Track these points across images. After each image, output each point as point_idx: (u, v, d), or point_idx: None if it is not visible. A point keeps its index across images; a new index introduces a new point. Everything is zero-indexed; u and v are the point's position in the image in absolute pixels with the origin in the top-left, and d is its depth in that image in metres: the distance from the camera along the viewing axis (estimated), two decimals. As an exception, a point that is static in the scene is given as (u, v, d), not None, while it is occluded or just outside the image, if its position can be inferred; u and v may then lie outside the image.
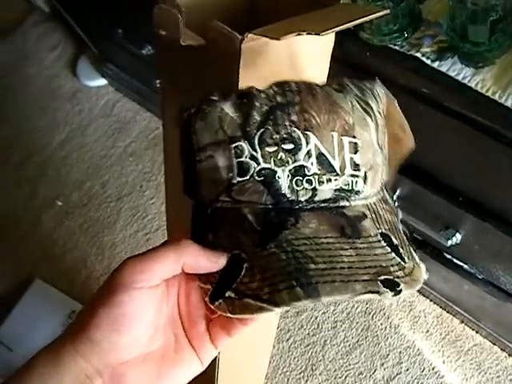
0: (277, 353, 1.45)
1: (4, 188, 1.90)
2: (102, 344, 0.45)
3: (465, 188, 0.98)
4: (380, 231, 0.50)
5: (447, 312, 1.46)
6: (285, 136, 0.50)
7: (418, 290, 1.48)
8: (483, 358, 1.41)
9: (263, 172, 0.50)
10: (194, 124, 0.53)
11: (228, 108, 0.52)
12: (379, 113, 0.56)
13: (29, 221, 1.80)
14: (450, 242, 1.10)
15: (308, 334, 1.48)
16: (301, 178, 0.50)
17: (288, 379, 1.42)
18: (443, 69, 0.78)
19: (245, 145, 0.50)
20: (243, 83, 0.64)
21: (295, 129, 0.50)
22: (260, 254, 0.47)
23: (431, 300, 1.47)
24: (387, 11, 0.67)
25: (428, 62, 0.79)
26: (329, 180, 0.50)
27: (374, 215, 0.52)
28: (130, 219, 1.75)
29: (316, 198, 0.50)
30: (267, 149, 0.50)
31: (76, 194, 1.84)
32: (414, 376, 1.40)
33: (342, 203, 0.51)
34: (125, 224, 1.74)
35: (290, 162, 0.50)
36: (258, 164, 0.50)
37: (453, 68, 0.77)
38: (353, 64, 0.86)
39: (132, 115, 2.00)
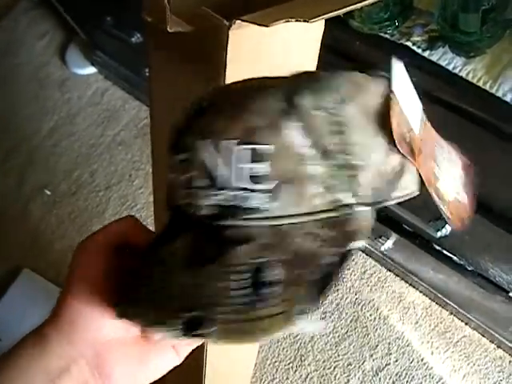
0: (265, 343, 1.45)
1: (-8, 176, 1.89)
2: (80, 322, 0.45)
3: (455, 179, 0.98)
4: (261, 260, 0.42)
5: (436, 303, 1.46)
6: (181, 147, 0.46)
7: (408, 281, 1.48)
8: (472, 350, 1.42)
9: (167, 183, 0.48)
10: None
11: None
12: (323, 109, 0.44)
13: (16, 210, 1.79)
14: (439, 234, 1.10)
15: (297, 324, 1.48)
16: (189, 191, 0.45)
17: (277, 369, 1.42)
18: (434, 58, 0.77)
19: None
20: (230, 70, 0.63)
21: (192, 137, 0.45)
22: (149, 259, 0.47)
23: (420, 291, 1.47)
24: (378, -2, 0.66)
25: (419, 51, 0.78)
26: (211, 195, 0.44)
27: (273, 240, 0.43)
28: (119, 208, 1.74)
29: (201, 213, 0.44)
30: (175, 157, 0.46)
31: (64, 182, 1.82)
32: (403, 367, 1.40)
33: (226, 222, 0.44)
34: (113, 213, 1.73)
35: (184, 172, 0.45)
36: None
37: (444, 57, 0.77)
38: (342, 52, 0.85)
39: (121, 104, 1.99)
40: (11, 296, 1.59)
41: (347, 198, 0.44)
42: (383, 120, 0.45)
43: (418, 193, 0.49)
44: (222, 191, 0.43)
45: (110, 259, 0.49)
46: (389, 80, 0.48)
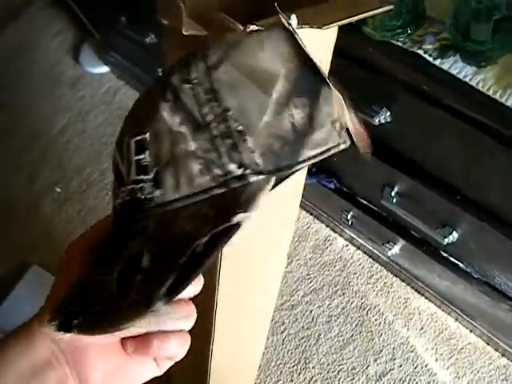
0: (271, 345, 1.45)
1: (3, 172, 1.90)
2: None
3: (463, 186, 0.98)
4: (136, 251, 0.41)
5: (442, 310, 1.47)
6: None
7: (414, 287, 1.48)
8: (476, 357, 1.42)
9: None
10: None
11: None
12: (189, 81, 0.42)
13: (27, 206, 1.80)
14: (446, 240, 1.10)
15: (302, 327, 1.48)
16: (113, 196, 0.47)
17: (281, 372, 1.43)
18: (445, 67, 0.78)
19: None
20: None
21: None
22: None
23: (426, 297, 1.47)
24: (391, 7, 0.67)
25: (430, 59, 0.79)
26: (118, 193, 0.44)
27: (155, 230, 0.42)
28: (129, 207, 1.75)
29: (116, 211, 0.45)
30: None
31: (75, 180, 1.84)
32: (407, 373, 1.41)
33: (132, 215, 0.43)
34: (123, 212, 1.74)
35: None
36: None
37: (454, 66, 0.78)
38: (354, 58, 0.86)
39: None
40: (19, 291, 1.60)
41: (234, 170, 0.41)
42: (268, 75, 0.42)
43: (345, 146, 0.45)
44: (122, 189, 0.44)
45: (90, 263, 0.49)
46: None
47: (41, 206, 1.79)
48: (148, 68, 1.84)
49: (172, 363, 0.51)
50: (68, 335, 0.41)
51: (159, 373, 0.51)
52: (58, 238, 1.72)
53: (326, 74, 0.44)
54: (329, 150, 0.44)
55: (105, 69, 2.10)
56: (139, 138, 0.42)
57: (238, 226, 0.38)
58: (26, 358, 0.46)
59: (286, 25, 0.43)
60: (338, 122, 0.44)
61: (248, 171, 0.41)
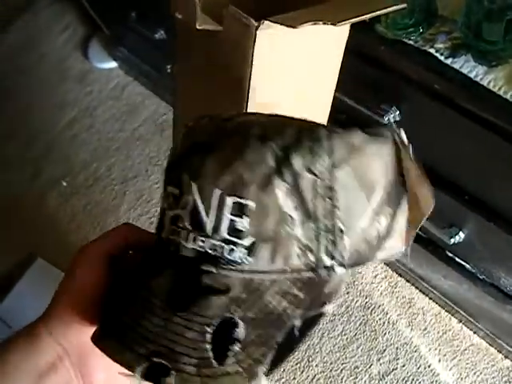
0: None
1: (10, 165, 1.90)
2: (68, 323, 0.47)
3: (471, 187, 0.98)
4: (228, 315, 0.43)
5: (446, 311, 1.47)
6: (175, 180, 0.46)
7: (418, 288, 1.48)
8: (479, 359, 1.42)
9: (160, 209, 0.49)
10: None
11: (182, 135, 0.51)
12: (312, 172, 0.44)
13: (33, 199, 1.81)
14: (452, 240, 1.10)
15: (306, 325, 1.48)
16: (175, 228, 0.46)
17: (284, 369, 1.43)
18: (456, 66, 0.78)
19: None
20: (256, 70, 0.64)
21: (186, 175, 0.45)
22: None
23: (430, 298, 1.47)
24: (404, 5, 0.67)
25: (441, 58, 0.79)
26: (194, 239, 0.44)
27: (245, 295, 0.44)
28: (135, 203, 1.76)
29: (182, 253, 0.45)
30: (169, 188, 0.47)
31: (82, 174, 1.84)
32: (410, 373, 1.41)
33: (206, 267, 0.44)
34: (129, 207, 1.75)
35: (173, 207, 0.46)
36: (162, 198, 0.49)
37: (466, 65, 0.78)
38: (366, 56, 0.86)
39: (141, 99, 2.00)
40: (24, 284, 1.60)
41: (326, 261, 0.45)
42: (372, 183, 0.46)
43: (403, 250, 0.50)
44: (202, 238, 0.44)
45: (104, 271, 0.50)
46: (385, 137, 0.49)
47: (47, 200, 1.80)
48: (156, 64, 1.84)
49: None
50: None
51: None
52: (64, 231, 1.72)
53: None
54: (395, 254, 0.49)
55: (113, 64, 2.10)
56: (241, 201, 0.43)
57: (323, 314, 0.45)
58: (30, 361, 0.46)
59: (397, 139, 0.49)
60: (405, 230, 0.49)
61: (338, 263, 0.45)
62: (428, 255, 1.25)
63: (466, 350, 1.43)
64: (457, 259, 1.21)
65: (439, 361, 1.42)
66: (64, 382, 0.47)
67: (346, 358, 1.44)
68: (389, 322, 1.47)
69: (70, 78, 2.11)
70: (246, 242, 0.43)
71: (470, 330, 1.44)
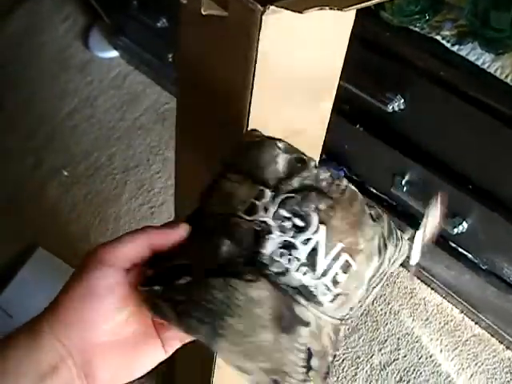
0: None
1: (11, 155, 1.90)
2: (73, 323, 0.46)
3: (476, 176, 0.98)
4: (308, 345, 0.49)
5: (448, 301, 1.46)
6: (302, 213, 0.50)
7: (420, 278, 1.48)
8: (480, 350, 1.41)
9: (263, 225, 0.50)
10: (250, 148, 0.55)
11: (282, 159, 0.53)
12: (389, 261, 0.55)
13: (34, 189, 1.80)
14: (455, 230, 1.10)
15: (307, 315, 1.48)
16: (285, 253, 0.50)
17: (285, 359, 1.43)
18: (462, 53, 0.77)
19: (269, 194, 0.51)
20: (262, 56, 0.63)
21: (315, 215, 0.50)
22: (202, 280, 0.48)
23: (432, 288, 1.47)
24: (411, -9, 0.66)
25: (448, 45, 0.78)
26: (305, 273, 0.49)
27: (317, 331, 0.50)
28: (136, 192, 1.75)
29: (283, 279, 0.49)
30: (282, 211, 0.50)
31: (82, 164, 1.84)
32: (411, 363, 1.41)
33: (301, 300, 0.50)
34: (130, 197, 1.74)
35: (290, 234, 0.50)
36: (266, 215, 0.50)
37: (472, 53, 0.77)
38: (371, 43, 0.85)
39: (142, 88, 1.99)
40: (25, 274, 1.60)
41: (348, 316, 0.54)
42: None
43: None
44: (311, 275, 0.49)
45: (120, 279, 0.49)
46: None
47: (47, 190, 1.79)
48: (158, 53, 1.83)
49: (179, 345, 0.53)
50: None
51: (166, 356, 0.52)
52: (64, 221, 1.72)
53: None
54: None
55: (114, 53, 2.09)
56: (351, 262, 0.51)
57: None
58: (31, 360, 0.45)
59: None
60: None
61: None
62: (430, 245, 1.25)
63: (467, 340, 1.43)
64: (460, 249, 1.21)
65: (441, 351, 1.42)
66: (66, 383, 0.46)
67: (347, 348, 1.44)
68: (390, 313, 1.47)
69: (71, 68, 2.10)
70: (336, 291, 0.50)
71: (472, 320, 1.44)
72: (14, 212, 1.74)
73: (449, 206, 1.08)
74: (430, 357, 1.41)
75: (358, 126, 1.12)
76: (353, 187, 0.55)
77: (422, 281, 1.48)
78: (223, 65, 0.69)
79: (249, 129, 0.67)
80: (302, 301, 0.49)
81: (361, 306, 0.54)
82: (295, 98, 0.71)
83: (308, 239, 0.50)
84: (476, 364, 1.40)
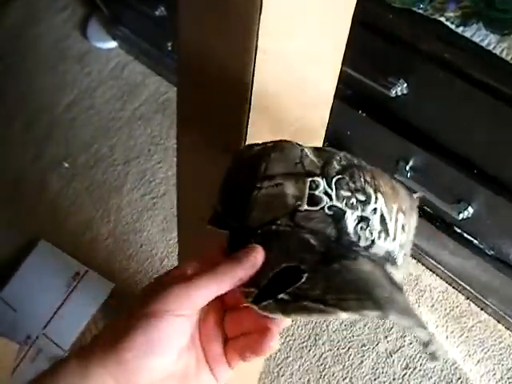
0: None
1: (11, 148, 1.89)
2: (131, 365, 0.45)
3: (481, 160, 0.97)
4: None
5: (453, 287, 1.45)
6: (359, 188, 0.53)
7: (425, 264, 1.47)
8: (487, 336, 1.41)
9: (334, 208, 0.52)
10: (270, 153, 0.55)
11: (309, 151, 0.55)
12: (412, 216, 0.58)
13: (35, 181, 1.79)
14: (461, 216, 1.09)
15: (312, 304, 1.48)
16: (365, 226, 0.53)
17: (291, 348, 1.42)
18: (467, 34, 0.76)
19: (322, 181, 0.53)
20: (263, 31, 0.62)
21: (368, 187, 0.53)
22: (323, 269, 0.49)
23: (437, 275, 1.46)
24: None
25: (452, 27, 0.77)
26: (385, 239, 0.53)
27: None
28: (137, 183, 1.74)
29: (371, 250, 0.53)
30: (342, 192, 0.53)
31: (83, 156, 1.83)
32: (417, 350, 1.40)
33: (388, 266, 0.53)
34: (131, 187, 1.73)
35: (359, 209, 0.53)
36: (331, 200, 0.52)
37: (477, 34, 0.75)
38: (373, 26, 0.84)
39: (142, 78, 1.98)
40: (28, 267, 1.60)
41: None
42: None
43: None
44: (389, 240, 0.53)
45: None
46: None
47: (48, 182, 1.79)
48: (157, 43, 1.81)
49: (228, 376, 0.52)
50: None
51: None
52: (66, 213, 1.71)
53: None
54: None
55: (113, 44, 2.08)
56: (405, 221, 0.55)
57: None
58: None
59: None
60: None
61: None
62: (435, 231, 1.24)
63: (473, 326, 1.42)
64: (465, 235, 1.20)
65: (446, 338, 1.41)
66: None
67: (352, 336, 1.43)
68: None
69: (69, 59, 2.09)
70: (403, 252, 0.55)
71: (478, 306, 1.43)
72: (16, 205, 1.74)
73: (454, 190, 1.08)
74: (436, 343, 1.40)
75: (360, 111, 1.10)
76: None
77: (426, 267, 1.48)
78: (223, 50, 0.68)
79: (250, 115, 0.67)
80: (389, 267, 0.53)
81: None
82: (297, 82, 0.70)
83: (374, 209, 0.53)
84: (482, 350, 1.39)
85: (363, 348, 1.41)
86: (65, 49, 2.12)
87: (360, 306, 0.44)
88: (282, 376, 1.39)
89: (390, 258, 0.54)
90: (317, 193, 0.53)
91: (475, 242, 1.19)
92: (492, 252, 1.18)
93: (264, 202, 0.54)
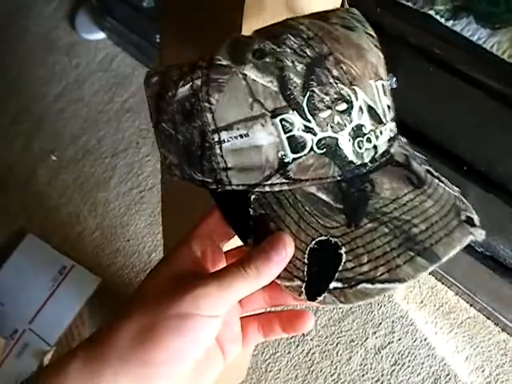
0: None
1: (-1, 139, 1.87)
2: (160, 369, 0.41)
3: (470, 157, 0.96)
4: (424, 168, 0.47)
5: (442, 283, 1.45)
6: (335, 96, 0.43)
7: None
8: (476, 332, 1.41)
9: (324, 142, 0.43)
10: (208, 98, 0.44)
11: (251, 72, 0.43)
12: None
13: (23, 174, 1.77)
14: (451, 212, 1.08)
15: (301, 299, 1.47)
16: (361, 139, 0.44)
17: (279, 343, 1.41)
18: (457, 28, 0.75)
19: (293, 116, 0.43)
20: (247, 17, 0.60)
21: (342, 85, 0.43)
22: (356, 234, 0.42)
23: (427, 271, 1.46)
24: (403, -38, 0.63)
25: (442, 20, 0.75)
26: (381, 132, 0.45)
27: (409, 153, 0.48)
28: (125, 176, 1.72)
29: (377, 156, 0.45)
30: (321, 115, 0.43)
31: (71, 148, 1.81)
32: (406, 346, 1.40)
33: (393, 150, 0.46)
34: (119, 181, 1.72)
35: (347, 123, 0.44)
36: (315, 134, 0.43)
37: (467, 28, 0.74)
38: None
39: (130, 70, 1.96)
40: (14, 261, 1.58)
41: None
42: None
43: None
44: (385, 128, 0.46)
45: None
46: None
47: (36, 175, 1.77)
48: (145, 34, 1.80)
49: (236, 354, 0.49)
50: None
51: (225, 365, 0.49)
52: (54, 206, 1.70)
53: None
54: None
55: (101, 35, 2.05)
56: (382, 83, 0.46)
57: None
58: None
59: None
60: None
61: None
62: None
63: (462, 323, 1.42)
64: (454, 231, 1.19)
65: (436, 334, 1.41)
66: None
67: (341, 331, 1.42)
68: (384, 296, 1.45)
69: (58, 50, 2.07)
70: (393, 114, 0.47)
71: (467, 302, 1.43)
72: (3, 198, 1.72)
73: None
74: (425, 340, 1.40)
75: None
76: (308, 22, 0.46)
77: (416, 263, 1.47)
78: (209, 24, 0.65)
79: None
80: (392, 149, 0.46)
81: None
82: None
83: (360, 109, 0.44)
84: (471, 346, 1.39)
85: (352, 344, 1.41)
86: (53, 40, 2.09)
87: (414, 269, 0.40)
88: (270, 372, 1.38)
89: (390, 144, 0.46)
90: (296, 133, 0.43)
91: (465, 238, 1.18)
92: (481, 249, 1.17)
93: (241, 161, 0.45)
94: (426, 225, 0.42)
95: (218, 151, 0.45)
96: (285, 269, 0.43)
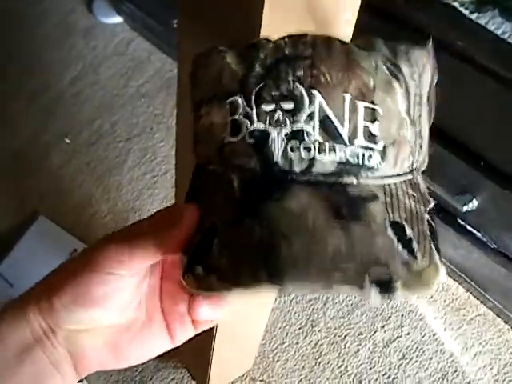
0: (278, 306, 1.44)
1: (14, 122, 1.87)
2: (60, 313, 0.45)
3: (489, 153, 0.95)
4: (391, 218, 0.42)
5: (453, 279, 1.45)
6: (285, 93, 0.42)
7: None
8: (485, 329, 1.40)
9: (255, 133, 0.43)
10: (196, 74, 0.48)
11: (231, 57, 0.45)
12: (413, 79, 0.45)
13: (36, 157, 1.77)
14: (465, 208, 1.07)
15: (310, 290, 1.46)
16: (297, 144, 0.42)
17: (287, 333, 1.41)
18: (482, 21, 0.74)
19: (240, 100, 0.44)
20: (267, 14, 0.59)
21: (298, 85, 0.42)
22: (233, 229, 0.41)
23: (438, 266, 1.45)
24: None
25: (466, 12, 0.75)
26: (332, 149, 0.42)
27: (389, 199, 0.43)
28: (139, 161, 1.72)
29: (313, 170, 0.42)
30: (264, 107, 0.43)
31: (85, 131, 1.81)
32: (414, 341, 1.39)
33: (348, 180, 0.43)
34: (132, 165, 1.72)
35: (288, 123, 0.42)
36: (252, 123, 0.43)
37: (492, 21, 0.73)
38: (381, 11, 0.81)
39: (146, 55, 1.96)
40: (26, 242, 1.59)
41: (415, 163, 0.46)
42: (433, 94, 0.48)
43: None
44: (340, 147, 0.42)
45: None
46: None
47: (50, 157, 1.77)
48: (162, 19, 1.79)
49: (188, 336, 0.50)
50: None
51: (173, 345, 0.50)
52: (67, 189, 1.70)
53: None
54: None
55: (118, 19, 2.05)
56: (371, 106, 0.43)
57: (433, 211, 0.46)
58: (17, 333, 0.45)
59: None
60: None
61: (417, 165, 0.47)
62: (438, 222, 1.22)
63: (472, 319, 1.41)
64: (468, 227, 1.19)
65: (445, 330, 1.40)
66: (53, 361, 0.45)
67: (349, 324, 1.42)
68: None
69: (75, 34, 2.07)
70: (380, 146, 0.43)
71: (477, 299, 1.42)
72: (16, 180, 1.72)
73: (459, 182, 1.06)
74: (434, 335, 1.40)
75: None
76: (321, 35, 0.45)
77: (427, 258, 1.46)
78: (227, 20, 0.65)
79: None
80: (353, 179, 0.43)
81: (421, 144, 0.47)
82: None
83: (310, 114, 0.42)
84: (480, 343, 1.39)
85: (360, 336, 1.40)
86: (70, 23, 2.09)
87: (253, 281, 0.38)
88: (277, 361, 1.38)
89: (347, 170, 0.42)
90: (237, 117, 0.43)
91: (478, 234, 1.18)
92: (494, 245, 1.17)
93: (203, 135, 0.47)
94: (303, 249, 0.39)
95: (195, 126, 0.48)
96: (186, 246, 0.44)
